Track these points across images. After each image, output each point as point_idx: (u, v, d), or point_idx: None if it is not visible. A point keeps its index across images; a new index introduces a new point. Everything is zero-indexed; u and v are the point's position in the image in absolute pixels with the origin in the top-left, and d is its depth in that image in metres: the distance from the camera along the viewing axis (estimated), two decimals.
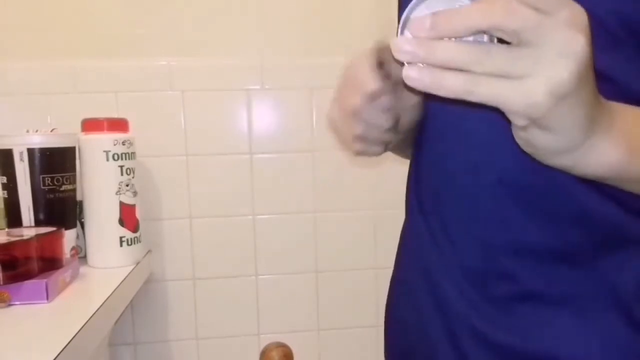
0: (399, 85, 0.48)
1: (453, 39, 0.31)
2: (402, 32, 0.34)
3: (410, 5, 0.34)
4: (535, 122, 0.31)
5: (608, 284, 0.42)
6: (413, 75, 0.31)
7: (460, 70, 0.30)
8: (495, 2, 0.29)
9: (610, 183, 0.37)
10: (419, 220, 0.52)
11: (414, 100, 0.50)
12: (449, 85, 0.30)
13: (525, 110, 0.30)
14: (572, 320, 0.42)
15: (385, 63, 0.47)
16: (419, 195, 0.53)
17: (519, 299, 0.43)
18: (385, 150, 0.53)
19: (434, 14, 0.31)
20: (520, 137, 0.34)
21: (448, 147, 0.48)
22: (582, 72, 0.30)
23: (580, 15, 0.30)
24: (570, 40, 0.29)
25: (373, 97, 0.46)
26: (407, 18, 0.34)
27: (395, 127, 0.50)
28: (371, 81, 0.46)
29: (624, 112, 0.36)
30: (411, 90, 0.33)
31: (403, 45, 0.31)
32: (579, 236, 0.42)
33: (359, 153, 0.52)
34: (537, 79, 0.30)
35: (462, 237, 0.46)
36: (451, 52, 0.30)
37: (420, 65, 0.31)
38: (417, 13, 0.34)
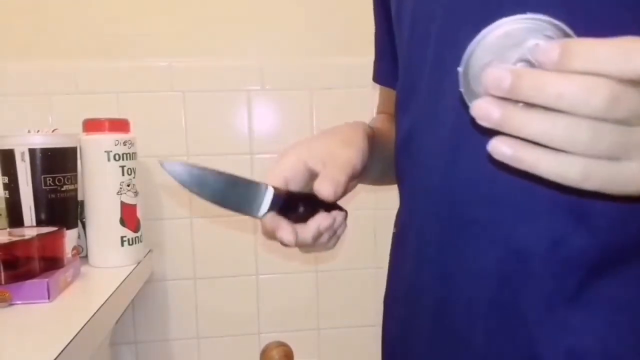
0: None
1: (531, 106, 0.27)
2: (464, 79, 0.31)
3: (468, 50, 0.30)
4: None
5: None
6: (502, 151, 0.28)
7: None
8: (595, 81, 0.26)
9: None
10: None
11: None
12: (546, 166, 0.28)
13: (622, 192, 0.29)
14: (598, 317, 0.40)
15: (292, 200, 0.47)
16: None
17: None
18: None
19: (513, 70, 0.27)
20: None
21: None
22: None
23: None
24: None
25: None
26: (468, 63, 0.30)
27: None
28: (287, 237, 0.46)
29: None
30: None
31: (484, 110, 0.27)
32: (616, 236, 0.40)
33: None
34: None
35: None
36: (551, 130, 0.26)
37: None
38: (478, 58, 0.30)
